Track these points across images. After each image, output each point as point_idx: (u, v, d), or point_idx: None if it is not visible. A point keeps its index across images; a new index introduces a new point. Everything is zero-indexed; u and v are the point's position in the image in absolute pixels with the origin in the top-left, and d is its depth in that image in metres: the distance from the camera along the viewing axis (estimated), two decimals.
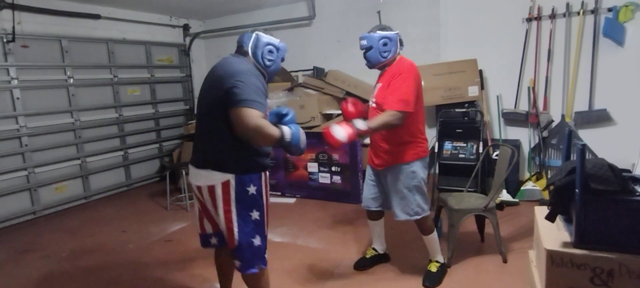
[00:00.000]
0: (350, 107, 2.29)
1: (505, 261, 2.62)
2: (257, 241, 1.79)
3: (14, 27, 3.77)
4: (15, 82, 3.90)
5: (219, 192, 1.72)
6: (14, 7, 3.76)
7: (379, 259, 2.69)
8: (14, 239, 3.56)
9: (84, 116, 4.50)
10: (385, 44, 2.21)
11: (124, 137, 4.96)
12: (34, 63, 4.06)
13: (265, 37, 1.85)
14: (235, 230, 1.75)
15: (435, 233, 2.44)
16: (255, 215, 1.78)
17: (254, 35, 1.84)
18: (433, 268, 2.45)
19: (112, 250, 3.20)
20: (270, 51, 1.85)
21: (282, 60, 1.94)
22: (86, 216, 4.10)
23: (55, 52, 4.25)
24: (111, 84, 4.80)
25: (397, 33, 2.26)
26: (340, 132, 1.96)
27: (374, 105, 2.29)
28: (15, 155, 3.95)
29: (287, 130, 1.71)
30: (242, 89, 1.62)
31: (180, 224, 3.69)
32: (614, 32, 3.43)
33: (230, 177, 1.71)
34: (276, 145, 1.70)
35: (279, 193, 4.45)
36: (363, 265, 2.64)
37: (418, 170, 2.28)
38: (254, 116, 1.59)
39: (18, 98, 3.93)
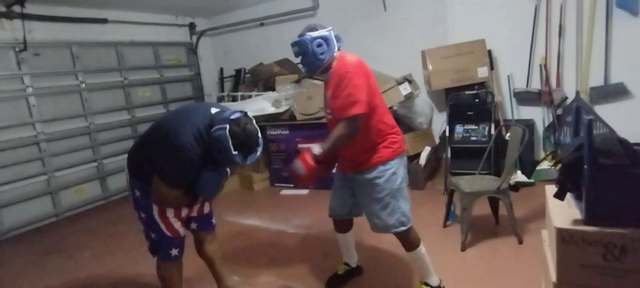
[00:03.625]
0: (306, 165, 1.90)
1: (520, 242, 2.59)
2: (153, 235, 1.96)
3: (25, 36, 3.86)
4: (30, 89, 4.01)
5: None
6: (23, 16, 3.85)
7: (353, 273, 2.43)
8: (39, 241, 3.69)
9: (98, 119, 4.60)
10: (320, 45, 1.89)
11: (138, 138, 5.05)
12: (46, 70, 4.16)
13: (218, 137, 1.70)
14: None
15: (422, 247, 2.06)
16: (142, 215, 1.94)
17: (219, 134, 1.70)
18: None
19: (131, 248, 3.28)
20: (218, 150, 1.73)
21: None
22: (105, 217, 4.22)
23: (66, 59, 4.35)
24: (122, 86, 4.89)
25: (331, 29, 1.95)
26: (298, 165, 1.84)
27: (330, 116, 2.00)
28: (35, 161, 4.08)
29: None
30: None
31: None
32: (628, 1, 3.30)
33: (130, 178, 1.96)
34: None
35: (292, 186, 4.48)
36: (336, 283, 2.38)
37: (398, 171, 1.97)
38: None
39: (34, 105, 4.04)
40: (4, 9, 3.78)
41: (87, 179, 4.50)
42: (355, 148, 1.95)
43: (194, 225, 2.13)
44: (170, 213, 1.93)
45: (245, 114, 1.77)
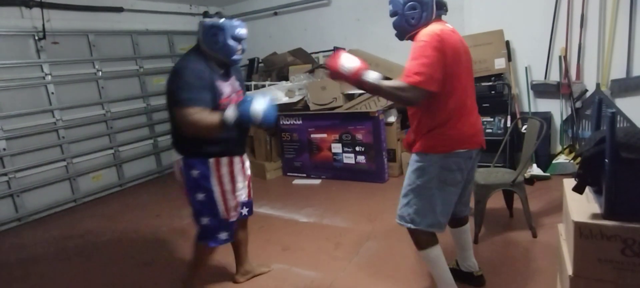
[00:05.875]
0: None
1: (534, 236, 2.56)
2: (204, 220, 1.98)
3: (44, 25, 3.93)
4: (49, 77, 4.09)
5: (177, 169, 1.99)
6: (42, 5, 3.91)
7: (466, 279, 2.11)
8: (58, 225, 3.79)
9: (114, 107, 4.68)
10: (413, 8, 1.71)
11: (153, 126, 5.12)
12: (64, 58, 4.23)
13: (208, 21, 1.86)
14: (190, 203, 2.00)
15: (432, 251, 1.85)
16: (200, 196, 1.94)
17: (200, 24, 1.88)
18: None
19: (147, 233, 3.36)
20: (214, 34, 1.85)
21: (236, 39, 1.91)
22: (122, 202, 4.31)
23: (83, 47, 4.41)
24: (137, 75, 4.95)
25: None
26: (349, 61, 1.65)
27: None
28: (54, 148, 4.18)
29: (228, 112, 1.75)
30: (176, 89, 1.78)
31: None
32: None
33: (180, 158, 1.94)
34: (229, 129, 1.78)
35: (304, 175, 4.51)
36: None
37: (430, 169, 1.74)
38: (188, 114, 1.74)
39: (53, 93, 4.12)
40: None
41: (104, 166, 4.59)
42: (420, 126, 1.78)
43: (245, 210, 2.16)
44: (229, 193, 1.98)
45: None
